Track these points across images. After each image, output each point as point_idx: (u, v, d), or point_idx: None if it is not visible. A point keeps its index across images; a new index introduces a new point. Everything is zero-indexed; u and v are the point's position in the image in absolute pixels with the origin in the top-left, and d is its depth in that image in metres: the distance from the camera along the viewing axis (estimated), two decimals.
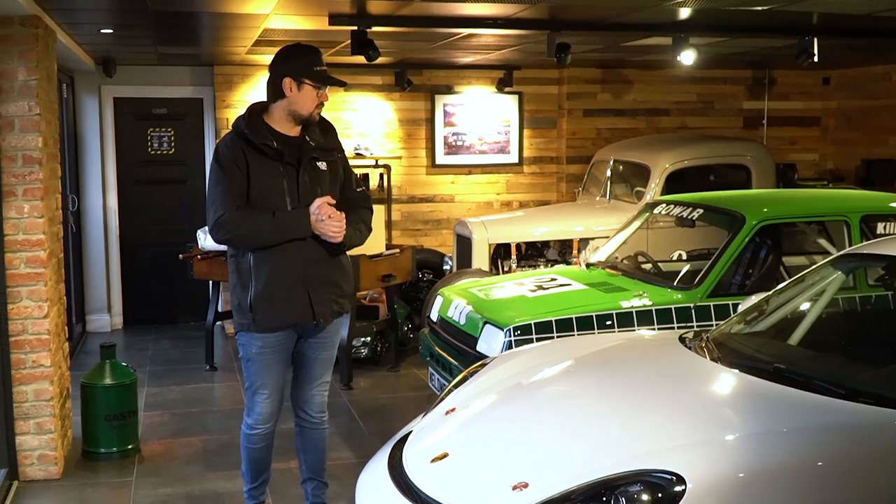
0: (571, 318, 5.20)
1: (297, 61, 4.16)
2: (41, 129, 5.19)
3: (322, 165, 4.23)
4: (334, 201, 4.15)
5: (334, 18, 6.00)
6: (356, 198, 4.35)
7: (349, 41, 6.38)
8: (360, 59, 7.23)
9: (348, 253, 4.35)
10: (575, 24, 6.41)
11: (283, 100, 4.17)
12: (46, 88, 5.34)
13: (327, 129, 4.33)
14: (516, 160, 10.16)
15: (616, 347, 4.21)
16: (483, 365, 4.16)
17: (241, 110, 9.17)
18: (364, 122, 9.75)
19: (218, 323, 8.75)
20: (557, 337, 5.09)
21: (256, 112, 4.23)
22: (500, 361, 4.13)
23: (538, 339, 5.08)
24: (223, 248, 6.96)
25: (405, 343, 8.34)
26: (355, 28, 6.14)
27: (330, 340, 4.40)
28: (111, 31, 6.70)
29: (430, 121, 9.91)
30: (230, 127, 4.31)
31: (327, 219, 4.07)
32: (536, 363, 3.99)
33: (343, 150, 4.39)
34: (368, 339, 7.81)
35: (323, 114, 4.30)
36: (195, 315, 9.73)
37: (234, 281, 4.23)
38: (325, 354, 4.40)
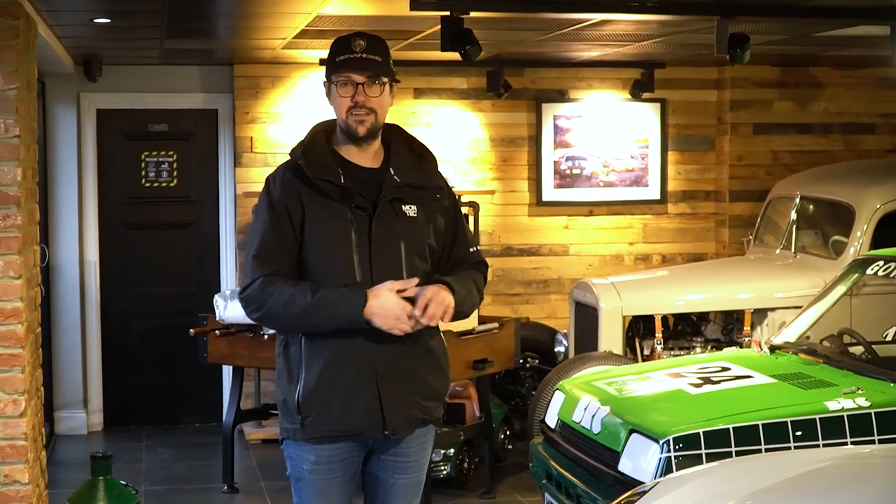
0: (757, 426, 5.24)
1: (329, 56, 4.27)
2: (20, 156, 5.37)
3: (410, 210, 4.27)
4: (415, 283, 4.11)
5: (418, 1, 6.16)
6: (466, 261, 4.39)
7: (434, 29, 6.53)
8: (438, 55, 7.35)
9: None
10: (753, 7, 6.50)
11: None
12: (27, 101, 5.55)
13: (423, 156, 4.38)
14: (658, 196, 10.24)
15: (824, 470, 4.20)
16: (639, 494, 4.20)
17: (271, 126, 9.60)
18: (441, 141, 9.86)
19: (238, 426, 8.83)
20: (738, 453, 5.12)
21: (320, 135, 4.31)
22: (661, 492, 4.16)
23: (709, 456, 5.11)
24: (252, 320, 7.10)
25: (501, 457, 8.37)
26: (447, 13, 6.28)
27: (414, 460, 4.41)
28: (107, 20, 6.98)
29: (536, 140, 10.05)
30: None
31: (405, 317, 4.07)
32: (714, 493, 4.01)
33: (448, 188, 4.43)
34: (452, 451, 7.83)
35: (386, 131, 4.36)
36: (206, 414, 9.92)
37: (281, 369, 4.32)
38: (407, 479, 4.41)
